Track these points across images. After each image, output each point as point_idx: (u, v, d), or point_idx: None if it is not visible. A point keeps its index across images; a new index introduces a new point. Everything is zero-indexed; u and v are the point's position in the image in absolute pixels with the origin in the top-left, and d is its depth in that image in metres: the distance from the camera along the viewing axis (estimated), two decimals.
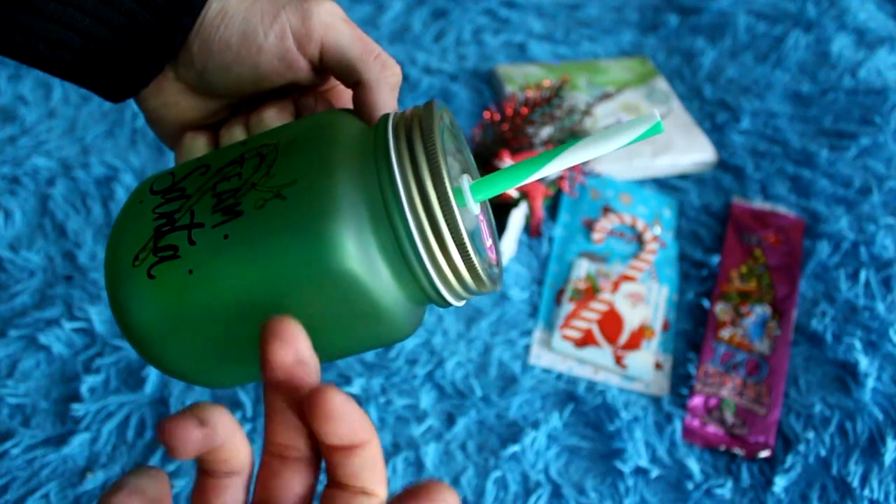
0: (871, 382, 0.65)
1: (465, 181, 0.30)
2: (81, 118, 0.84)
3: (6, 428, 0.59)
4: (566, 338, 0.68)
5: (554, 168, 0.29)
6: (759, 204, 0.81)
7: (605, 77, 0.94)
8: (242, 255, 0.27)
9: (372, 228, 0.27)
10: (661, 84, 0.95)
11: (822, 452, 0.61)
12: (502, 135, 0.75)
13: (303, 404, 0.24)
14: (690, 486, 0.60)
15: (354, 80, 0.33)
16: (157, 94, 0.34)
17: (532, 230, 0.76)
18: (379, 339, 0.30)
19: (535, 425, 0.62)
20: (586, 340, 0.68)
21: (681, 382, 0.67)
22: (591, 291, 0.72)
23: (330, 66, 0.33)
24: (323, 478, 0.26)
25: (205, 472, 0.25)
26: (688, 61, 1.01)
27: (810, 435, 0.62)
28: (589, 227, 0.78)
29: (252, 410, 0.60)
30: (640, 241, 0.77)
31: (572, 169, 0.77)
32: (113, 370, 0.62)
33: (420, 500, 0.24)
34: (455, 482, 0.59)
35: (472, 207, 0.30)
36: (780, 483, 0.59)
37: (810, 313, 0.71)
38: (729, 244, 0.77)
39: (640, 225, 0.78)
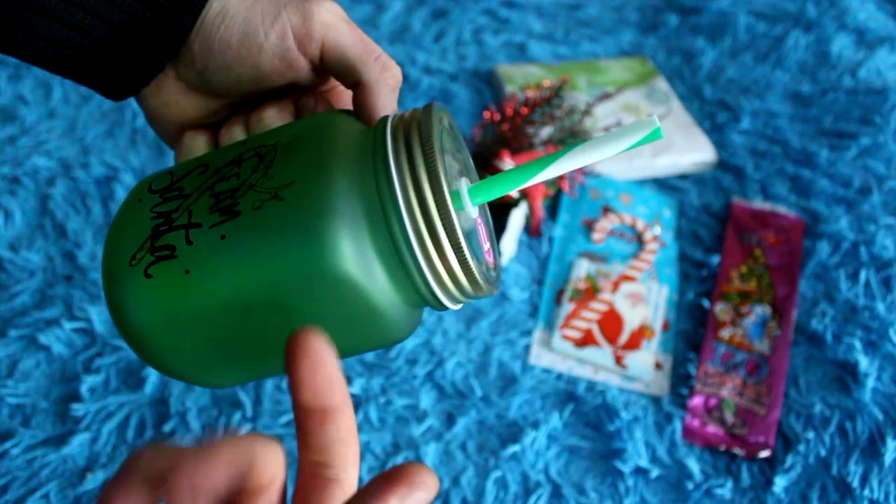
0: (871, 382, 0.65)
1: (464, 185, 0.30)
2: (81, 118, 0.84)
3: (6, 428, 0.59)
4: (566, 338, 0.68)
5: (552, 173, 0.29)
6: (759, 204, 0.81)
7: (605, 77, 0.94)
8: (239, 255, 0.27)
9: (369, 231, 0.27)
10: (661, 84, 0.95)
11: (822, 452, 0.61)
12: (502, 135, 0.75)
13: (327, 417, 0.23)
14: (690, 486, 0.60)
15: (354, 81, 0.33)
16: (158, 92, 0.34)
17: (532, 230, 0.76)
18: (375, 342, 0.30)
19: (535, 425, 0.62)
20: (586, 340, 0.68)
21: (681, 382, 0.67)
22: (591, 291, 0.72)
23: (330, 67, 0.33)
24: None
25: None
26: (688, 61, 1.01)
27: (810, 435, 0.62)
28: (589, 227, 0.78)
29: (252, 410, 0.60)
30: (640, 241, 0.77)
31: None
32: (113, 370, 0.62)
33: (398, 484, 0.23)
34: (455, 482, 0.59)
35: (469, 211, 0.30)
36: (780, 483, 0.59)
37: (810, 313, 0.71)
38: (729, 244, 0.77)
39: (640, 225, 0.78)
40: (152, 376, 0.62)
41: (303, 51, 0.32)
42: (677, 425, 0.63)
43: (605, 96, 0.83)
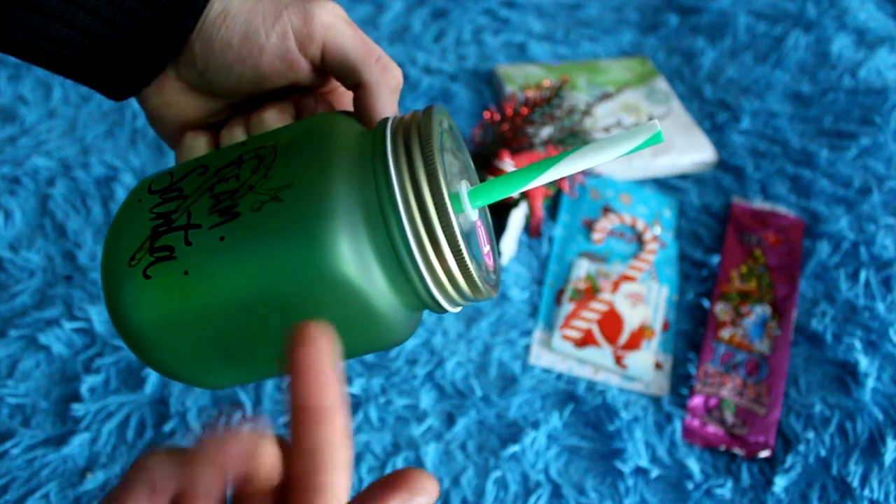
0: (871, 382, 0.65)
1: (464, 187, 0.30)
2: (81, 118, 0.84)
3: (6, 428, 0.59)
4: (566, 338, 0.68)
5: (551, 176, 0.29)
6: (759, 204, 0.81)
7: (605, 77, 0.94)
8: (238, 257, 0.27)
9: (368, 233, 0.27)
10: (661, 84, 0.95)
11: (822, 452, 0.61)
12: (502, 135, 0.75)
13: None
14: (690, 486, 0.60)
15: (355, 82, 0.33)
16: (159, 93, 0.34)
17: (532, 230, 0.76)
18: (374, 344, 0.30)
19: (535, 425, 0.62)
20: (586, 340, 0.68)
21: (681, 382, 0.67)
22: (591, 291, 0.72)
23: (331, 68, 0.33)
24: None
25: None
26: (688, 61, 1.01)
27: (810, 435, 0.62)
28: (589, 227, 0.78)
29: (252, 411, 0.60)
30: (640, 241, 0.77)
31: None
32: (113, 370, 0.62)
33: (398, 489, 0.23)
34: (455, 482, 0.59)
35: (469, 213, 0.30)
36: (780, 483, 0.59)
37: (810, 313, 0.71)
38: (729, 244, 0.77)
39: (640, 225, 0.78)
40: (152, 376, 0.62)
41: (304, 52, 0.32)
42: (677, 425, 0.63)
43: (605, 96, 0.83)
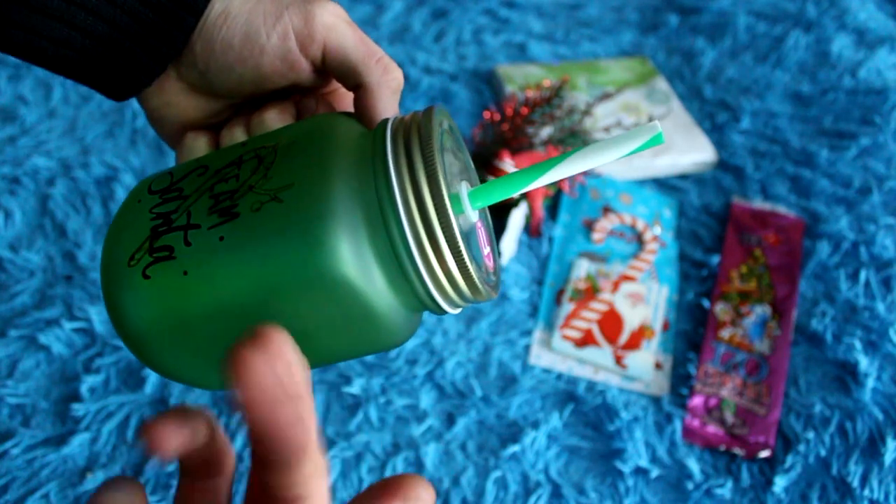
0: (871, 382, 0.65)
1: (464, 188, 0.30)
2: (81, 118, 0.84)
3: (6, 428, 0.59)
4: (566, 338, 0.68)
5: (552, 178, 0.29)
6: (759, 204, 0.81)
7: (605, 77, 0.94)
8: (238, 257, 0.27)
9: (368, 234, 0.27)
10: (661, 84, 0.95)
11: (822, 452, 0.61)
12: (502, 135, 0.75)
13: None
14: (690, 486, 0.60)
15: (356, 83, 0.33)
16: (159, 93, 0.34)
17: (532, 230, 0.76)
18: (374, 345, 0.30)
19: (535, 425, 0.62)
20: (586, 340, 0.68)
21: (681, 382, 0.67)
22: (591, 291, 0.72)
23: (332, 68, 0.33)
24: None
25: (186, 474, 0.24)
26: (688, 61, 1.01)
27: (810, 435, 0.62)
28: (589, 227, 0.78)
29: None
30: (640, 241, 0.77)
31: None
32: (113, 370, 0.62)
33: (393, 497, 0.23)
34: (455, 482, 0.59)
35: (469, 215, 0.30)
36: (780, 483, 0.59)
37: (810, 313, 0.71)
38: (729, 244, 0.77)
39: (640, 225, 0.78)
40: (152, 376, 0.62)
41: (304, 52, 0.32)
42: (677, 425, 0.63)
43: (605, 96, 0.83)
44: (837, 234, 0.77)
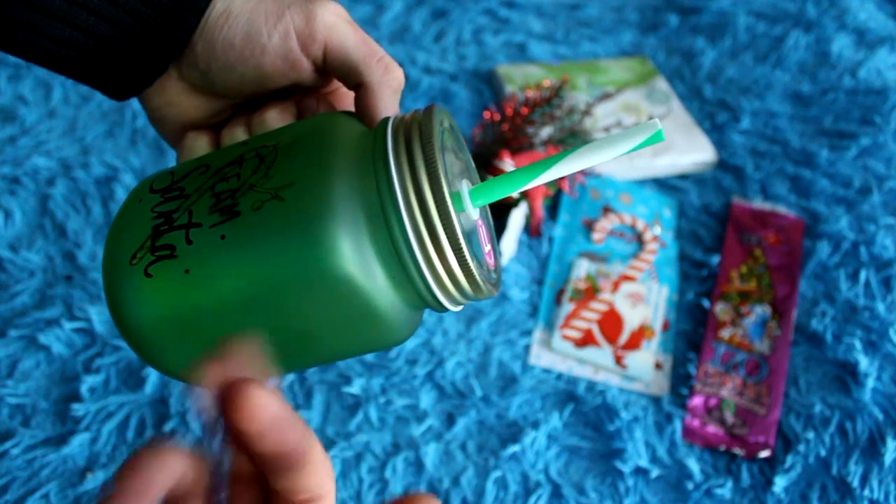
0: (871, 382, 0.65)
1: (465, 186, 0.30)
2: (81, 118, 0.84)
3: (6, 428, 0.59)
4: (566, 338, 0.68)
5: (552, 175, 0.29)
6: (759, 204, 0.81)
7: (605, 77, 0.94)
8: (239, 255, 0.27)
9: (369, 232, 0.27)
10: (661, 84, 0.95)
11: (822, 452, 0.61)
12: (502, 135, 0.75)
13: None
14: (690, 486, 0.60)
15: (357, 83, 0.33)
16: (161, 93, 0.34)
17: (532, 230, 0.76)
18: (375, 343, 0.30)
19: (535, 425, 0.62)
20: (586, 340, 0.68)
21: (681, 382, 0.67)
22: (591, 291, 0.72)
23: (333, 68, 0.33)
24: None
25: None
26: (688, 61, 1.01)
27: (810, 435, 0.62)
28: (589, 227, 0.78)
29: None
30: (640, 241, 0.77)
31: None
32: (113, 370, 0.62)
33: None
34: (455, 482, 0.59)
35: (470, 213, 0.30)
36: (780, 483, 0.59)
37: (810, 313, 0.71)
38: (729, 244, 0.77)
39: (640, 225, 0.78)
40: (152, 376, 0.62)
41: (305, 52, 0.32)
42: (677, 425, 0.63)
43: (605, 96, 0.83)
44: (837, 234, 0.77)
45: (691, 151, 0.85)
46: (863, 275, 0.73)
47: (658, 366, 0.68)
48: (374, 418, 0.61)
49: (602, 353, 0.67)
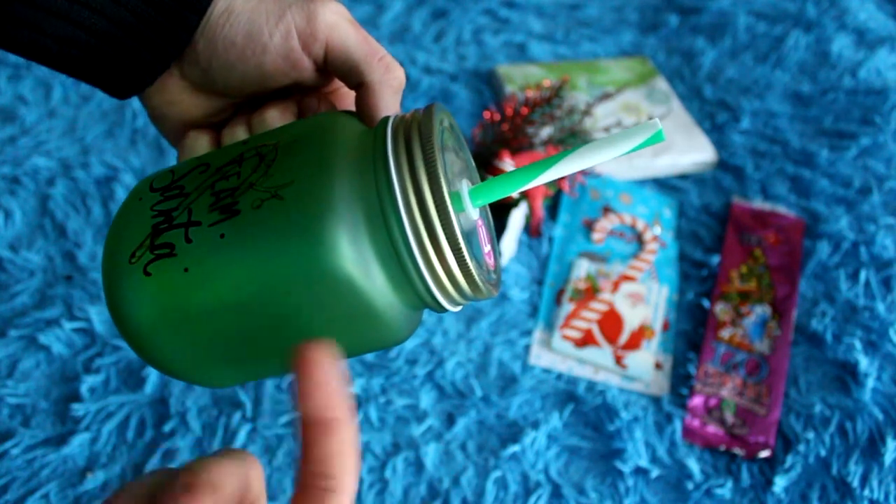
0: (871, 382, 0.65)
1: (464, 186, 0.30)
2: (81, 118, 0.84)
3: (6, 428, 0.58)
4: (566, 338, 0.68)
5: (552, 175, 0.29)
6: (759, 204, 0.81)
7: (605, 77, 0.94)
8: (238, 254, 0.27)
9: (368, 231, 0.27)
10: (661, 84, 0.95)
11: (822, 452, 0.61)
12: (502, 135, 0.75)
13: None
14: (690, 486, 0.60)
15: (358, 82, 0.33)
16: (162, 91, 0.34)
17: (532, 230, 0.76)
18: (374, 343, 0.30)
19: (535, 425, 0.62)
20: (586, 340, 0.68)
21: (681, 382, 0.67)
22: (591, 291, 0.72)
23: (334, 67, 0.33)
24: None
25: None
26: (688, 61, 1.01)
27: (810, 435, 0.62)
28: (589, 227, 0.78)
29: (252, 410, 0.60)
30: (640, 241, 0.77)
31: None
32: (113, 370, 0.62)
33: None
34: (455, 482, 0.59)
35: (470, 213, 0.30)
36: (780, 483, 0.59)
37: (810, 313, 0.71)
38: (729, 244, 0.77)
39: (640, 225, 0.78)
40: (152, 376, 0.62)
41: (307, 51, 0.32)
42: (677, 425, 0.63)
43: (605, 96, 0.83)
44: (837, 234, 0.77)
45: (691, 151, 0.85)
46: (863, 275, 0.73)
47: (658, 366, 0.68)
48: (374, 418, 0.61)
49: (602, 353, 0.67)
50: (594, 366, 0.67)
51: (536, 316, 0.70)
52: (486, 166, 0.74)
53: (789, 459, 0.61)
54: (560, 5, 1.10)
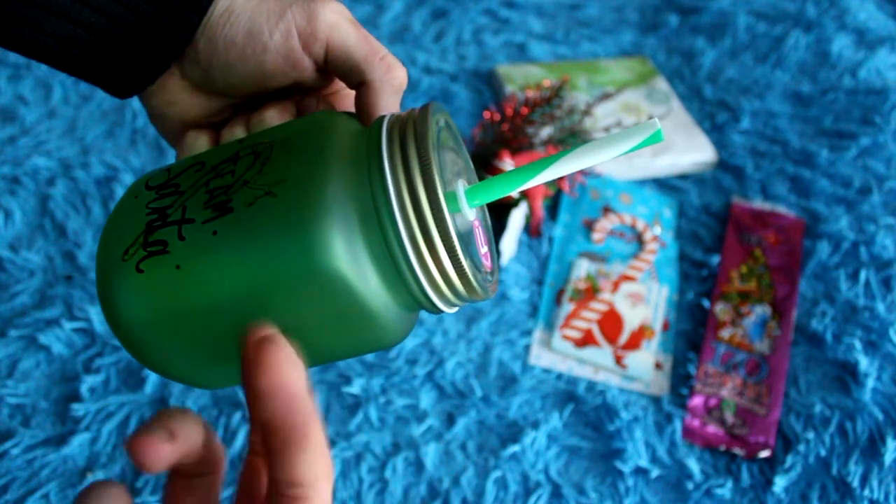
0: (871, 382, 0.65)
1: (461, 186, 0.29)
2: (81, 118, 0.84)
3: (6, 428, 0.59)
4: (566, 338, 0.68)
5: (550, 175, 0.28)
6: (759, 204, 0.81)
7: (605, 77, 0.94)
8: (230, 251, 0.26)
9: (361, 230, 0.27)
10: (661, 84, 0.95)
11: (822, 452, 0.61)
12: (502, 135, 0.75)
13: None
14: (690, 486, 0.60)
15: (358, 81, 0.33)
16: (162, 91, 0.34)
17: (532, 230, 0.76)
18: (369, 344, 0.29)
19: (535, 425, 0.62)
20: (586, 340, 0.68)
21: (681, 382, 0.67)
22: (591, 291, 0.72)
23: (335, 67, 0.33)
24: None
25: (176, 472, 0.24)
26: (688, 61, 1.01)
27: (810, 435, 0.62)
28: (589, 227, 0.78)
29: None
30: (640, 241, 0.77)
31: None
32: (113, 370, 0.62)
33: None
34: (455, 482, 0.59)
35: (466, 213, 0.29)
36: (780, 483, 0.59)
37: (810, 313, 0.71)
38: (729, 244, 0.77)
39: (640, 225, 0.78)
40: (152, 376, 0.62)
41: (307, 51, 0.32)
42: (677, 425, 0.63)
43: (605, 96, 0.83)
44: (837, 234, 0.77)
45: (691, 151, 0.85)
46: (863, 275, 0.73)
47: (658, 366, 0.68)
48: (374, 418, 0.61)
49: (602, 353, 0.67)
50: (594, 366, 0.67)
51: (536, 316, 0.70)
52: (485, 166, 0.74)
53: (789, 459, 0.61)
54: (560, 5, 1.10)
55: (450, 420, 0.62)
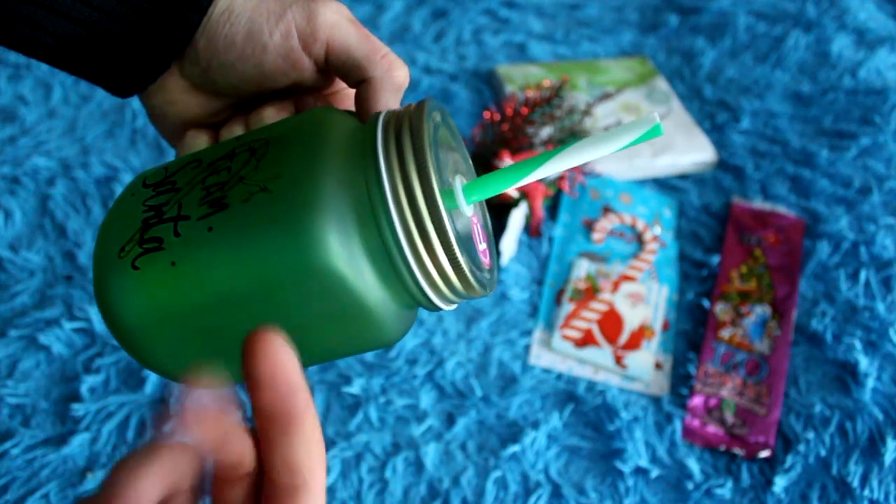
0: (871, 382, 0.65)
1: (458, 182, 0.29)
2: (81, 118, 0.84)
3: (6, 428, 0.58)
4: (566, 338, 0.68)
5: (549, 170, 0.28)
6: (759, 204, 0.81)
7: (605, 77, 0.94)
8: (225, 247, 0.26)
9: (357, 226, 0.26)
10: (661, 84, 0.95)
11: (822, 452, 0.61)
12: (502, 135, 0.75)
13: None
14: (690, 486, 0.60)
15: (359, 79, 0.33)
16: (161, 90, 0.34)
17: (532, 230, 0.76)
18: (366, 342, 0.29)
19: (535, 425, 0.62)
20: (586, 340, 0.68)
21: (681, 382, 0.67)
22: (591, 291, 0.72)
23: (335, 67, 0.33)
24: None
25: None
26: (688, 61, 1.01)
27: (810, 435, 0.62)
28: (589, 227, 0.78)
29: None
30: (640, 241, 0.77)
31: (572, 169, 0.77)
32: (113, 370, 0.62)
33: None
34: (455, 482, 0.59)
35: (464, 209, 0.29)
36: (780, 483, 0.59)
37: (810, 313, 0.71)
38: (729, 244, 0.77)
39: (640, 225, 0.78)
40: (152, 376, 0.62)
41: (307, 51, 0.32)
42: (677, 425, 0.63)
43: (605, 96, 0.83)
44: (837, 234, 0.77)
45: (691, 151, 0.85)
46: (863, 275, 0.73)
47: (658, 366, 0.68)
48: (374, 418, 0.61)
49: (602, 353, 0.67)
50: (594, 366, 0.67)
51: (536, 316, 0.70)
52: (485, 166, 0.74)
53: (789, 459, 0.61)
54: (560, 5, 1.10)
55: (450, 420, 0.62)
